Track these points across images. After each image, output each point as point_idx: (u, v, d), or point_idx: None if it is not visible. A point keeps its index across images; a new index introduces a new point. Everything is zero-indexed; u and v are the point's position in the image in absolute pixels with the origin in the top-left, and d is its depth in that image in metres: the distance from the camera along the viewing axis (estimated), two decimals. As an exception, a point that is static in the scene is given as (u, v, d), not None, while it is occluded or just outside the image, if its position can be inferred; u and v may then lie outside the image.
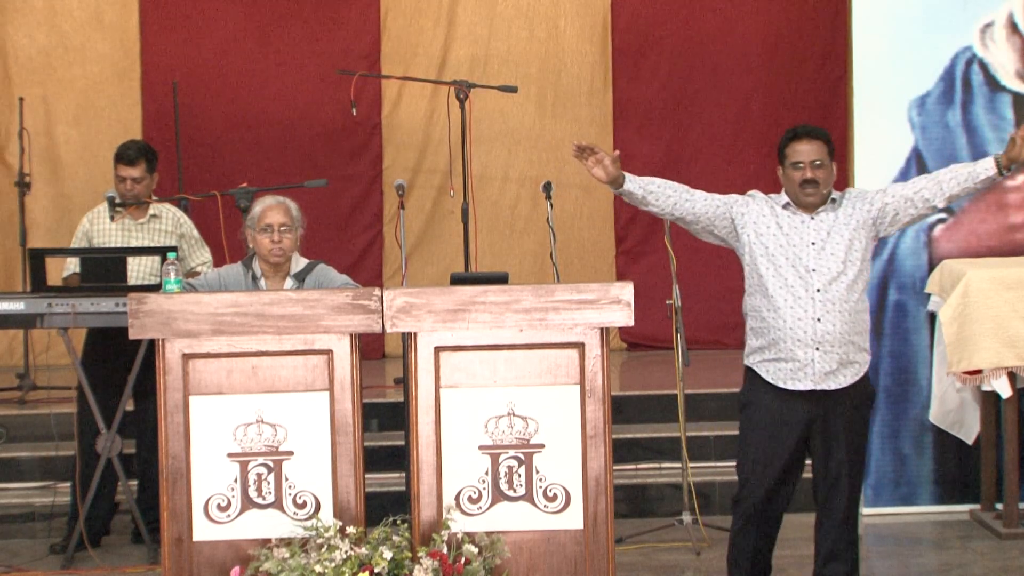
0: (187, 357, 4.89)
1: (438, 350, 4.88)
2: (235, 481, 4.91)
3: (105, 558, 6.71)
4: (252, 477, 4.91)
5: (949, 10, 7.13)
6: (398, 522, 4.87)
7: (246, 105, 9.83)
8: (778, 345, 5.32)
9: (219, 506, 4.91)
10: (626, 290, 4.87)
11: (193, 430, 4.90)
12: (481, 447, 4.89)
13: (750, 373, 5.44)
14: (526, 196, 9.93)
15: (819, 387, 5.31)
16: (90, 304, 6.42)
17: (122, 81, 9.85)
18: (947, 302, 6.79)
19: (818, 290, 5.29)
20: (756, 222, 5.39)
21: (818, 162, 5.36)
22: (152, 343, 4.96)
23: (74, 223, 7.30)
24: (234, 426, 4.91)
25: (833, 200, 5.40)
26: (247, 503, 4.91)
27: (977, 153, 7.02)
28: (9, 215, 9.54)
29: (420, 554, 4.73)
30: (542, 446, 4.89)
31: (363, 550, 4.71)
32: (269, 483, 4.91)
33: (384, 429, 7.74)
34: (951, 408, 7.03)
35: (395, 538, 4.78)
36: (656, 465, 7.60)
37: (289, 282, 5.84)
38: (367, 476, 4.99)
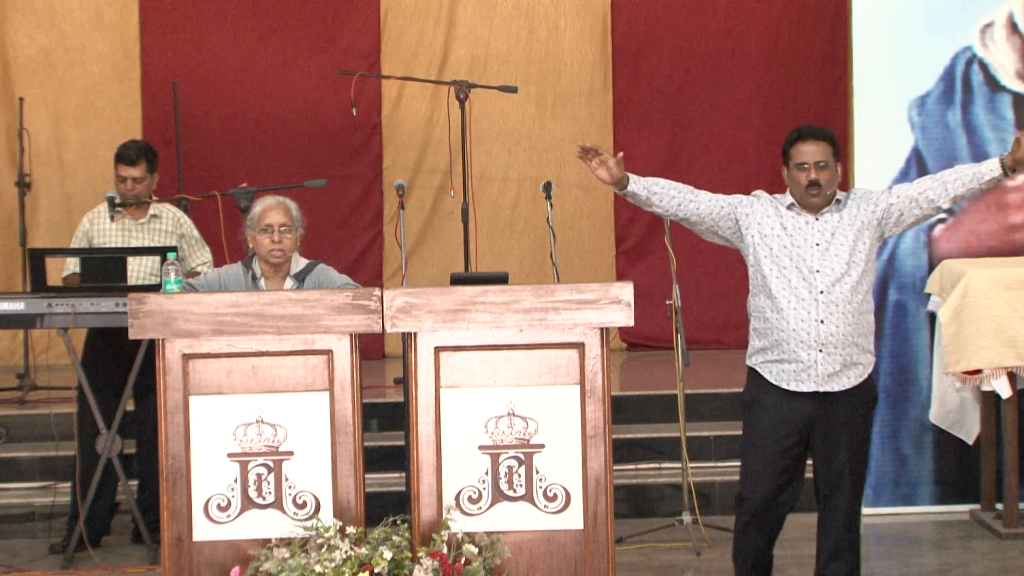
0: (187, 357, 4.89)
1: (438, 350, 4.88)
2: (235, 481, 4.91)
3: (105, 558, 6.71)
4: (252, 477, 4.91)
5: (949, 10, 7.12)
6: (398, 522, 4.87)
7: (246, 105, 9.83)
8: (781, 346, 5.32)
9: (219, 506, 4.91)
10: (626, 290, 4.87)
11: (193, 430, 4.90)
12: (481, 447, 4.89)
13: (753, 373, 5.43)
14: (526, 196, 9.93)
15: (822, 389, 5.31)
16: (90, 304, 6.42)
17: (122, 81, 9.85)
18: (947, 302, 6.79)
19: (821, 292, 5.28)
20: (760, 223, 5.38)
21: (822, 163, 5.35)
22: (152, 343, 4.96)
23: (74, 223, 7.30)
24: (234, 426, 4.91)
25: (838, 201, 5.39)
26: (247, 503, 4.91)
27: (977, 153, 7.02)
28: (9, 215, 9.55)
29: (420, 554, 4.73)
30: (542, 446, 4.89)
31: (363, 550, 4.71)
32: (269, 483, 4.91)
33: (384, 429, 7.74)
34: (951, 408, 7.03)
35: (395, 538, 4.78)
36: (656, 465, 7.60)
37: (289, 282, 5.83)
38: (367, 476, 4.99)
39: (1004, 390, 6.74)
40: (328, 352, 4.90)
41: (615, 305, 4.86)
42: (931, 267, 7.12)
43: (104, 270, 6.65)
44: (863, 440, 5.47)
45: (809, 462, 5.48)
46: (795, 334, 5.29)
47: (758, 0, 9.88)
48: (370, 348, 9.14)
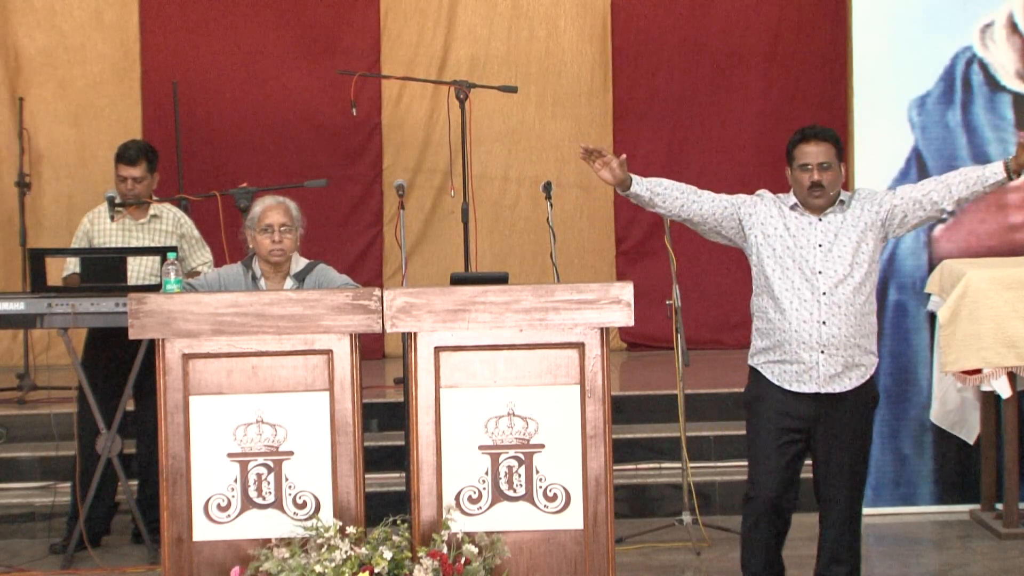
0: (187, 357, 4.89)
1: (438, 350, 4.88)
2: (235, 481, 4.91)
3: (105, 558, 6.71)
4: (252, 477, 4.91)
5: (949, 10, 7.13)
6: (398, 522, 4.87)
7: (246, 105, 9.83)
8: (783, 347, 5.32)
9: (219, 506, 4.91)
10: (626, 290, 4.87)
11: (193, 430, 4.90)
12: (481, 447, 4.89)
13: (755, 373, 5.43)
14: (526, 196, 9.93)
15: (824, 390, 5.30)
16: (90, 304, 6.42)
17: (122, 81, 9.85)
18: (946, 302, 6.79)
19: (824, 293, 5.28)
20: (764, 223, 5.38)
21: (826, 164, 5.34)
22: (152, 343, 4.96)
23: (74, 223, 7.29)
24: (234, 426, 4.91)
25: (842, 202, 5.38)
26: (247, 503, 4.91)
27: (977, 153, 7.02)
28: (9, 215, 9.54)
29: (420, 554, 4.73)
30: (542, 446, 4.89)
31: (363, 550, 4.71)
32: (269, 483, 4.91)
33: (384, 429, 7.74)
34: (952, 408, 7.03)
35: (395, 538, 4.78)
36: (656, 465, 7.59)
37: (289, 282, 5.83)
38: (367, 476, 4.99)
39: (1004, 390, 6.74)
40: (328, 352, 4.90)
41: (615, 305, 4.86)
42: (931, 267, 7.12)
43: (104, 270, 6.65)
44: (864, 440, 5.46)
45: (809, 462, 5.48)
46: (797, 335, 5.28)
47: (758, 0, 9.89)
48: (370, 348, 9.14)
